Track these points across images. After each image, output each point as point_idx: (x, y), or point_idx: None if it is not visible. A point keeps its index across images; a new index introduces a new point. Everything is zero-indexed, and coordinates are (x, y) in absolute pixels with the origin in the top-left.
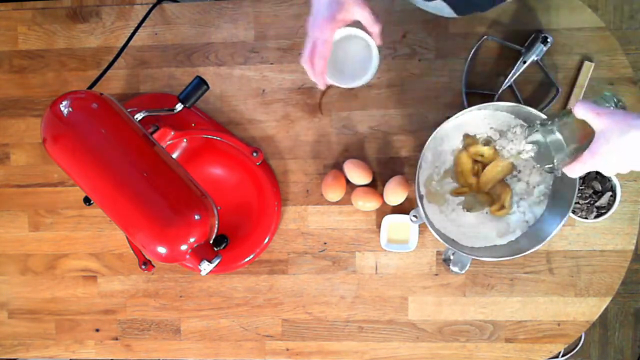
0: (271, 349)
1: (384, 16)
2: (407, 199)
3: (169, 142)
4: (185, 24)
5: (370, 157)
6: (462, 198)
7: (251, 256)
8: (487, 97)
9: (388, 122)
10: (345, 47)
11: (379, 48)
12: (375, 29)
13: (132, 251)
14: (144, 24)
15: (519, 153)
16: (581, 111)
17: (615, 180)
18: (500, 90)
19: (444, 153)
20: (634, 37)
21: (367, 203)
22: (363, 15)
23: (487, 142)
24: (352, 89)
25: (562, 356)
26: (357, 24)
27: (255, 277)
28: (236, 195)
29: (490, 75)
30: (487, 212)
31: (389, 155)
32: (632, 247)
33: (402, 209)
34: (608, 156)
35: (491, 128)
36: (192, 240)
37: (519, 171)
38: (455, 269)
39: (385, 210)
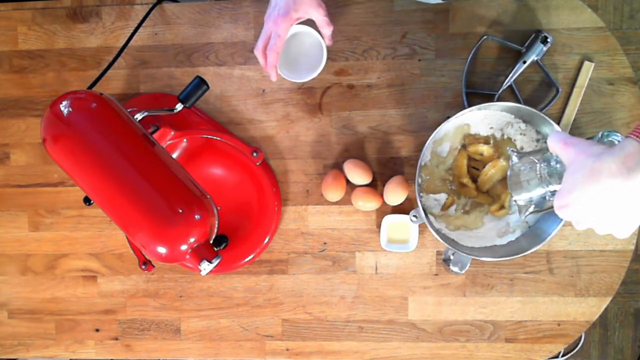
0: (271, 349)
1: (383, 16)
2: (407, 199)
3: (169, 142)
4: (185, 24)
5: (370, 157)
6: (462, 198)
7: (251, 256)
8: (487, 97)
9: (388, 122)
10: (298, 43)
11: (328, 48)
12: (327, 30)
13: (132, 251)
14: (144, 24)
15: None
16: (551, 142)
17: None
18: (500, 90)
19: (444, 153)
20: (634, 37)
21: (367, 203)
22: (318, 16)
23: (487, 141)
24: (352, 88)
25: (562, 356)
26: (312, 23)
27: (255, 277)
28: (236, 195)
29: (490, 75)
30: (486, 212)
31: (389, 155)
32: (632, 247)
33: (402, 209)
34: (575, 197)
35: (491, 128)
36: (192, 240)
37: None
38: (455, 269)
39: (385, 210)
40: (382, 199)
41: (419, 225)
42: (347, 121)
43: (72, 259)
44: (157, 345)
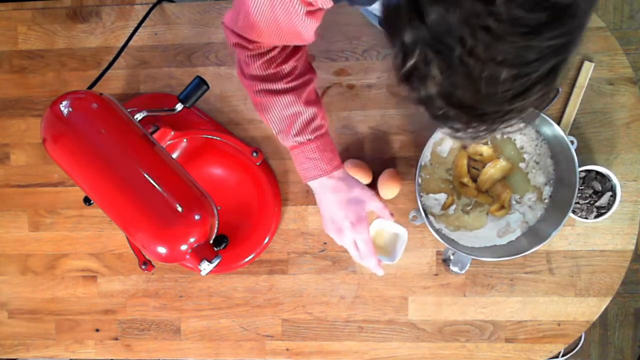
0: (271, 349)
1: None
2: (401, 194)
3: (169, 142)
4: (185, 24)
5: (370, 157)
6: (462, 198)
7: (251, 256)
8: None
9: (388, 122)
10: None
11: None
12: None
13: (132, 251)
14: (144, 24)
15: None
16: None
17: (615, 180)
18: None
19: (444, 153)
20: (634, 37)
21: None
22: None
23: (486, 141)
24: (352, 88)
25: (562, 356)
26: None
27: (255, 277)
28: (236, 195)
29: None
30: (487, 212)
31: (389, 155)
32: (632, 247)
33: (395, 202)
34: None
35: None
36: (192, 240)
37: (528, 172)
38: (455, 269)
39: None
40: (382, 198)
41: (419, 225)
42: (347, 121)
43: (72, 259)
44: (157, 345)
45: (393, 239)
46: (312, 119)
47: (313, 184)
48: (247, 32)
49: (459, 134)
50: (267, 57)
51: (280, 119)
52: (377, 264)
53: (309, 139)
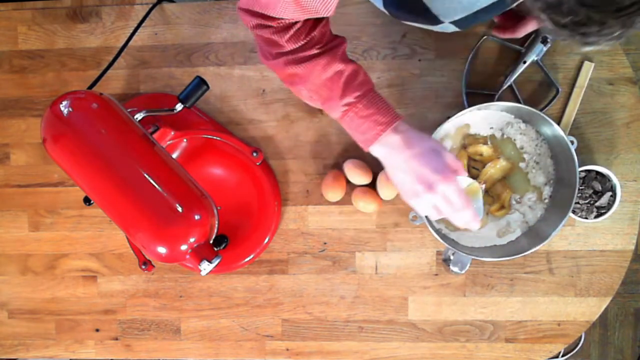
0: (271, 349)
1: (383, 16)
2: None
3: (169, 142)
4: (185, 24)
5: (371, 157)
6: None
7: (251, 256)
8: (487, 97)
9: None
10: None
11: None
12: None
13: (132, 251)
14: (144, 24)
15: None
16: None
17: (615, 180)
18: (500, 91)
19: None
20: (634, 37)
21: (367, 204)
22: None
23: (486, 141)
24: None
25: (562, 356)
26: None
27: (255, 277)
28: (236, 195)
29: (490, 75)
30: (486, 213)
31: None
32: (632, 247)
33: (395, 202)
34: None
35: (491, 128)
36: (192, 240)
37: (527, 172)
38: (455, 269)
39: (386, 210)
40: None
41: (419, 225)
42: None
43: (72, 259)
44: (157, 345)
45: (468, 194)
46: (355, 74)
47: (380, 151)
48: (270, 9)
49: (591, 39)
50: (294, 29)
51: (322, 84)
52: (475, 217)
53: (358, 96)
